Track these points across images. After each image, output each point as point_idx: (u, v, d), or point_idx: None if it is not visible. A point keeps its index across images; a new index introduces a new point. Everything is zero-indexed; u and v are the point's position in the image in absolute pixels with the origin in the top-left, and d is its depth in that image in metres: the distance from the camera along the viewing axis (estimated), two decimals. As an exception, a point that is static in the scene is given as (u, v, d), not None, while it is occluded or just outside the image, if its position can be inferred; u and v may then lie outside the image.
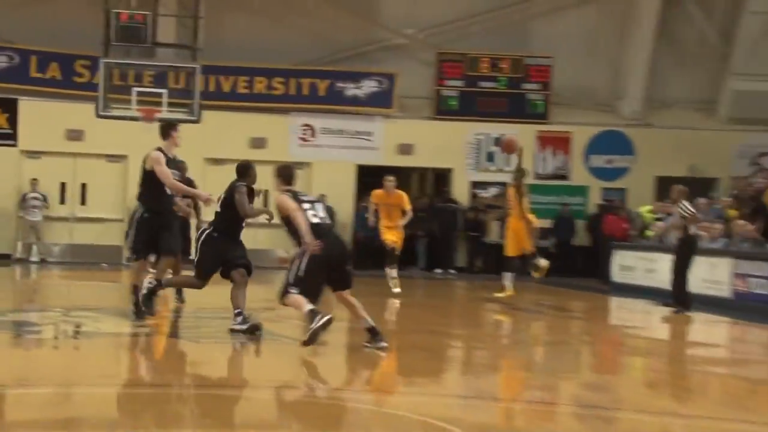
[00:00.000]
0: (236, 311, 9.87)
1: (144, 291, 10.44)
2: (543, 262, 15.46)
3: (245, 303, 9.94)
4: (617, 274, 20.31)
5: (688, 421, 6.75)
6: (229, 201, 9.96)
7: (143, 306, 10.45)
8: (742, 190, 20.85)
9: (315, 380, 8.47)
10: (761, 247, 16.98)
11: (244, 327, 9.79)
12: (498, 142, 24.31)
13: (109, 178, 23.19)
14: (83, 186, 23.44)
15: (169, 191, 10.69)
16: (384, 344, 9.09)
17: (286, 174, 9.48)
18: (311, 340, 8.75)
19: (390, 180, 16.21)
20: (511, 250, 15.54)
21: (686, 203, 15.06)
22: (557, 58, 24.35)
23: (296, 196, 9.21)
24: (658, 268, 18.72)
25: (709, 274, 16.90)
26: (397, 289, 15.70)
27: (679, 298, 14.70)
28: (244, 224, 10.20)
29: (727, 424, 6.74)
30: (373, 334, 9.11)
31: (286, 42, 24.51)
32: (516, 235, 15.45)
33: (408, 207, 16.04)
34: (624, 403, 7.50)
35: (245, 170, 10.30)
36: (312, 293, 8.92)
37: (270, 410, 6.90)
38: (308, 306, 8.82)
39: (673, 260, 14.98)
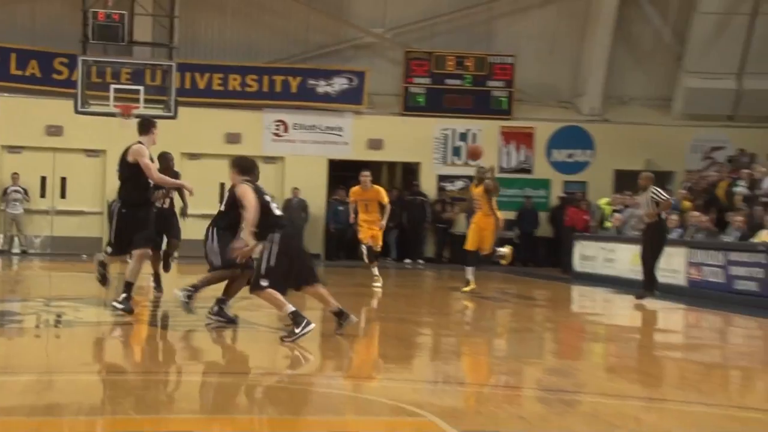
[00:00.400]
0: (221, 298, 9.83)
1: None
2: (505, 250, 15.33)
3: (234, 296, 9.89)
4: (578, 264, 20.42)
5: (645, 403, 6.79)
6: (233, 200, 9.60)
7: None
8: (695, 183, 21.05)
9: (290, 366, 8.44)
10: (714, 237, 17.14)
11: (220, 318, 9.77)
12: (465, 138, 24.51)
13: (88, 172, 23.06)
14: (63, 180, 23.32)
15: (151, 183, 10.40)
16: (353, 319, 9.13)
17: (245, 165, 9.34)
18: (293, 341, 8.66)
19: (366, 175, 15.73)
20: (470, 244, 15.21)
21: (658, 189, 14.97)
22: (520, 57, 24.47)
23: (258, 189, 9.06)
24: (618, 258, 18.86)
25: (666, 263, 17.01)
26: (378, 284, 15.35)
27: (646, 282, 14.68)
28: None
29: (682, 406, 6.79)
30: (340, 315, 9.08)
31: (260, 40, 24.46)
32: (479, 230, 15.09)
33: (386, 201, 15.69)
34: (585, 387, 7.53)
35: (249, 168, 10.02)
36: (282, 285, 8.81)
37: (246, 395, 6.88)
38: (290, 306, 8.72)
39: (643, 246, 14.93)
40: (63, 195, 23.30)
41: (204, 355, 9.00)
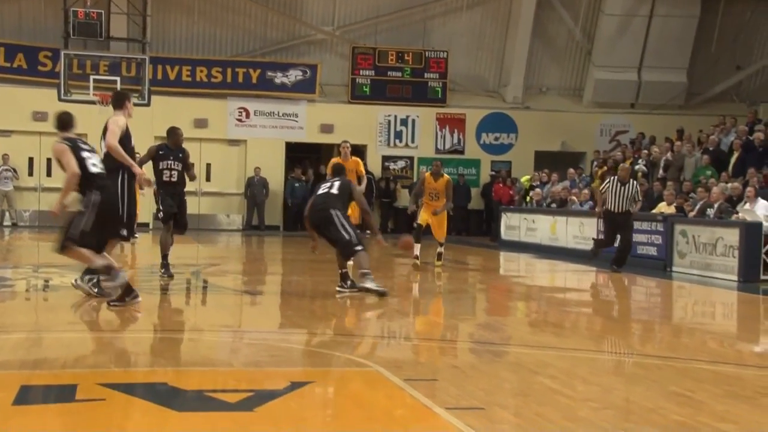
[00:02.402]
0: (365, 272, 9.46)
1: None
2: (438, 267, 13.64)
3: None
4: (504, 233, 20.54)
5: (561, 353, 6.84)
6: (345, 190, 9.54)
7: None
8: (603, 162, 21.24)
9: (251, 324, 8.38)
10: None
11: (353, 288, 9.52)
12: (405, 123, 24.49)
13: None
14: (48, 160, 22.91)
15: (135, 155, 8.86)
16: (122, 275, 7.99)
17: (62, 120, 8.16)
18: (119, 296, 7.92)
19: (346, 147, 13.71)
20: (422, 219, 13.57)
21: (637, 184, 14.25)
22: (452, 52, 24.47)
23: (75, 144, 7.96)
24: (538, 227, 19.01)
25: (579, 232, 17.21)
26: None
27: (624, 257, 13.92)
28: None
29: (593, 354, 6.85)
30: (91, 273, 8.47)
31: (223, 37, 24.20)
32: (429, 209, 13.44)
33: (363, 171, 13.94)
34: (510, 340, 7.57)
35: (341, 171, 10.13)
36: (94, 244, 7.98)
37: (214, 349, 6.80)
38: (102, 260, 7.90)
39: (627, 230, 13.88)
40: (48, 174, 22.95)
41: (176, 315, 8.89)
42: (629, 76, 24.56)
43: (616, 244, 14.14)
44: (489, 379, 5.65)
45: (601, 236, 14.84)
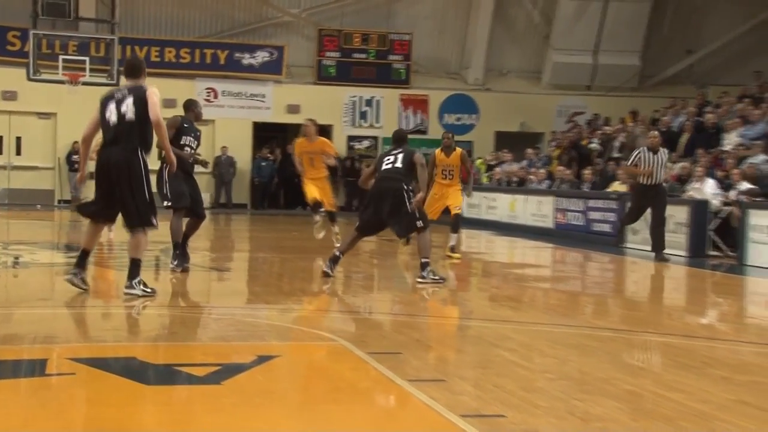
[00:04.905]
0: (424, 261, 8.83)
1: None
2: (455, 259, 12.18)
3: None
4: (466, 211, 20.52)
5: (520, 326, 6.89)
6: (409, 164, 8.81)
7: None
8: (560, 142, 21.37)
9: (219, 300, 8.33)
10: (576, 187, 17.47)
11: (434, 277, 8.85)
12: (370, 104, 24.42)
13: (40, 132, 22.37)
14: (18, 139, 22.60)
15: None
16: None
17: None
18: None
19: (308, 126, 11.78)
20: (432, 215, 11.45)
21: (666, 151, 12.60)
22: (416, 35, 24.42)
23: None
24: (498, 206, 19.12)
25: (537, 210, 17.34)
26: (320, 235, 12.41)
27: (662, 242, 12.32)
28: None
29: (549, 327, 6.91)
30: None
31: (192, 18, 23.93)
32: (436, 201, 12.17)
33: (333, 152, 12.23)
34: (472, 314, 7.61)
35: (406, 137, 9.36)
36: None
37: (182, 325, 6.76)
38: None
39: (659, 208, 12.32)
40: (18, 152, 22.59)
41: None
42: (585, 59, 24.68)
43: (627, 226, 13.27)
44: (450, 352, 5.67)
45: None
